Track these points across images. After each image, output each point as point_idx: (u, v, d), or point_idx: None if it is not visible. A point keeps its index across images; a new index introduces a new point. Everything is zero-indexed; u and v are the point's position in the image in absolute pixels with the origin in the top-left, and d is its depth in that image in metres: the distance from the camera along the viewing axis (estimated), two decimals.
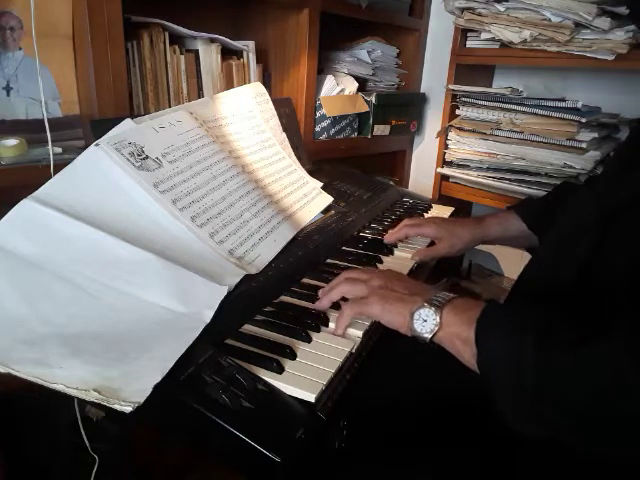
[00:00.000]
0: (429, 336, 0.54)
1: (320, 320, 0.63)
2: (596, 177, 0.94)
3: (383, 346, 0.64)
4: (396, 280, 0.63)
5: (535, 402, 0.46)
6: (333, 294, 0.65)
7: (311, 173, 1.02)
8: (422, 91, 1.67)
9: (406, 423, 0.64)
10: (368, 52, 1.43)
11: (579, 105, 1.19)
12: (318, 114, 1.32)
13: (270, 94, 1.02)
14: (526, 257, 0.79)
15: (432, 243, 0.93)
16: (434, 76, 1.62)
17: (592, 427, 0.45)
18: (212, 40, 1.08)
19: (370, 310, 0.60)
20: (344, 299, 0.67)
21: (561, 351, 0.45)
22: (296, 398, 0.50)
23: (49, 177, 0.64)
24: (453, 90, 1.41)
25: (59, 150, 0.82)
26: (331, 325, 0.63)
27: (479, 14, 1.26)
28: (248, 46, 1.17)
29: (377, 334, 0.64)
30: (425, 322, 0.54)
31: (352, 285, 0.64)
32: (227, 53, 1.14)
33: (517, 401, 0.48)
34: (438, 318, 0.54)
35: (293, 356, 0.56)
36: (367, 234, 0.96)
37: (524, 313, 0.53)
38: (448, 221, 0.94)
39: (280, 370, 0.53)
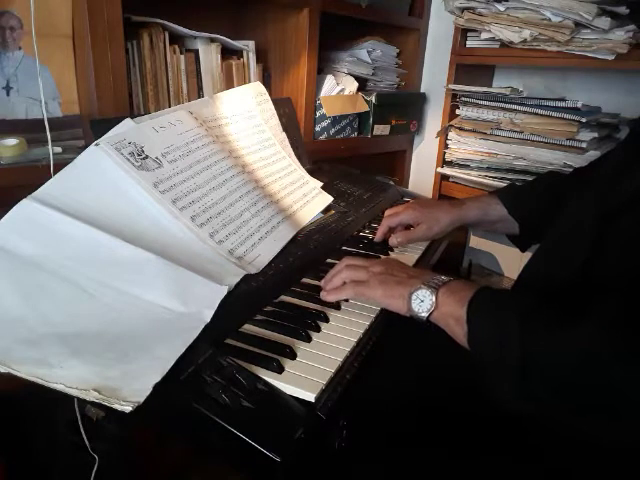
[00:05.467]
0: (425, 315, 0.57)
1: (320, 319, 0.63)
2: (582, 170, 0.94)
3: (383, 346, 0.64)
4: (396, 266, 0.66)
5: (521, 377, 0.48)
6: (335, 280, 0.67)
7: (311, 173, 1.02)
8: (422, 91, 1.67)
9: (406, 423, 0.64)
10: (368, 52, 1.43)
11: (579, 105, 1.19)
12: (318, 114, 1.32)
13: (270, 94, 1.02)
14: (526, 257, 0.79)
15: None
16: (434, 76, 1.62)
17: (573, 402, 0.47)
18: (212, 40, 1.08)
19: (371, 293, 0.62)
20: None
21: (542, 329, 0.48)
22: (296, 398, 0.50)
23: (49, 177, 0.64)
24: (453, 90, 1.41)
25: (59, 150, 0.82)
26: (322, 294, 0.67)
27: (479, 14, 1.26)
28: (248, 46, 1.17)
29: (377, 334, 0.64)
30: (422, 302, 0.57)
31: (354, 271, 0.66)
32: (227, 53, 1.14)
33: (505, 377, 0.50)
34: (434, 298, 0.57)
35: (293, 356, 0.56)
36: (367, 234, 0.96)
37: (513, 295, 0.56)
38: (427, 204, 0.94)
39: (280, 370, 0.53)
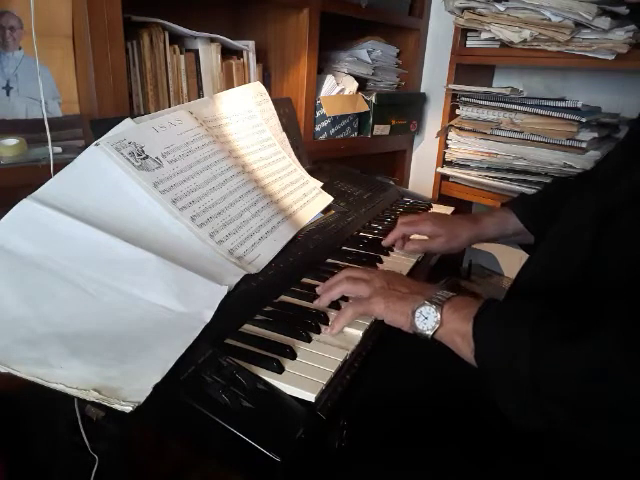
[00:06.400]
0: (430, 333, 0.56)
1: (320, 320, 0.63)
2: (588, 172, 0.94)
3: (383, 346, 0.64)
4: (397, 280, 0.65)
5: (532, 392, 0.47)
6: (334, 292, 0.66)
7: (311, 173, 1.02)
8: (422, 91, 1.67)
9: (406, 423, 0.64)
10: (368, 52, 1.43)
11: (579, 105, 1.19)
12: (318, 114, 1.32)
13: (270, 94, 1.02)
14: (525, 257, 0.78)
15: None
16: (434, 76, 1.62)
17: (586, 417, 0.46)
18: (212, 40, 1.08)
19: (374, 309, 0.61)
20: (343, 298, 0.67)
21: (554, 342, 0.47)
22: (296, 398, 0.50)
23: (49, 177, 0.64)
24: (453, 90, 1.41)
25: (59, 150, 0.82)
26: (327, 331, 0.62)
27: (479, 14, 1.26)
28: (248, 46, 1.18)
29: (376, 334, 0.64)
30: (426, 319, 0.56)
31: (354, 284, 0.65)
32: (227, 53, 1.14)
33: (515, 392, 0.49)
34: (439, 315, 0.55)
35: (293, 356, 0.56)
36: (367, 234, 0.96)
37: (520, 307, 0.54)
38: (445, 218, 0.93)
39: (280, 370, 0.53)
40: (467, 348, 0.53)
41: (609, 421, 0.45)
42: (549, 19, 1.15)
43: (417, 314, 0.56)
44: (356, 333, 0.62)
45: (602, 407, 0.45)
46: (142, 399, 0.44)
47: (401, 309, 0.59)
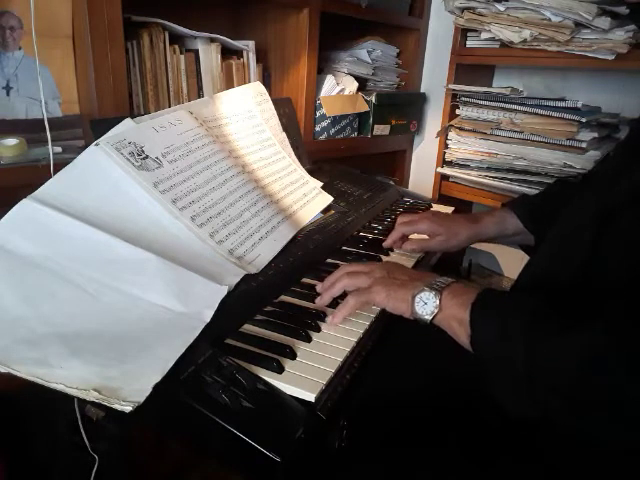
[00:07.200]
0: (429, 318, 0.57)
1: (320, 320, 0.63)
2: (592, 174, 0.93)
3: (383, 346, 0.64)
4: (397, 269, 0.65)
5: (527, 381, 0.48)
6: (335, 289, 0.66)
7: (311, 173, 1.02)
8: (422, 91, 1.67)
9: (406, 423, 0.64)
10: (368, 52, 1.43)
11: (579, 105, 1.19)
12: (318, 114, 1.32)
13: (270, 94, 1.02)
14: (526, 257, 0.79)
15: None
16: (434, 76, 1.62)
17: (580, 408, 0.46)
18: (212, 40, 1.09)
19: (375, 298, 0.61)
20: (343, 296, 0.67)
21: (550, 333, 0.48)
22: (296, 398, 0.50)
23: (49, 177, 0.64)
24: (453, 90, 1.41)
25: (59, 150, 0.82)
26: (329, 320, 0.63)
27: (479, 14, 1.26)
28: (248, 46, 1.18)
29: (376, 334, 0.64)
30: (426, 305, 0.57)
31: (354, 278, 0.65)
32: (227, 53, 1.14)
33: (510, 380, 0.49)
34: (438, 301, 0.56)
35: (293, 356, 0.56)
36: (367, 234, 0.96)
37: (517, 298, 0.56)
38: (444, 217, 0.92)
39: (280, 370, 0.53)
40: (464, 334, 0.54)
41: (602, 413, 0.45)
42: (549, 19, 1.15)
43: (417, 299, 0.57)
44: (356, 333, 0.62)
45: (595, 399, 0.45)
46: (142, 399, 0.44)
47: (402, 296, 0.59)
